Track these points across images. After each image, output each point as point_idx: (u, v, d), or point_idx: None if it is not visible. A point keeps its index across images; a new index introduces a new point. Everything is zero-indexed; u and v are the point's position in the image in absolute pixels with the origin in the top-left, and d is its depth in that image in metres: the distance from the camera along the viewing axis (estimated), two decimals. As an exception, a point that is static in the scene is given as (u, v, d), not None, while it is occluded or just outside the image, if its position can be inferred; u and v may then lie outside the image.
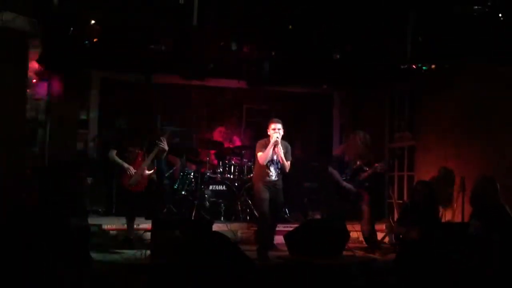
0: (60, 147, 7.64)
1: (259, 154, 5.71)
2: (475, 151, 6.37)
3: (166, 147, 5.85)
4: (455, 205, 6.52)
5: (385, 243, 6.66)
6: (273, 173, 5.72)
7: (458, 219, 6.36)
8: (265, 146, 5.69)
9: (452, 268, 4.34)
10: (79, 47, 5.80)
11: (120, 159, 5.79)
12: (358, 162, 6.10)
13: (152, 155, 5.82)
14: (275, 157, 5.69)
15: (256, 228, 6.78)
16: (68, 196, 4.05)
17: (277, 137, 5.61)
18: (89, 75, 8.16)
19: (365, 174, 6.05)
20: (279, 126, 5.68)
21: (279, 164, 5.74)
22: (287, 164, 5.77)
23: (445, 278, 4.27)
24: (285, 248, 5.72)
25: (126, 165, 5.74)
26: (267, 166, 5.70)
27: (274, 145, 5.60)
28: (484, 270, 4.07)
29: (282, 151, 5.68)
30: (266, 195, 5.66)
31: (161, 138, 5.79)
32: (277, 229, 6.46)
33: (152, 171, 5.86)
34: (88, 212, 4.44)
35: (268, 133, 5.73)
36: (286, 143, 5.83)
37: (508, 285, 3.85)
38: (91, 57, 6.85)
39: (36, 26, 5.44)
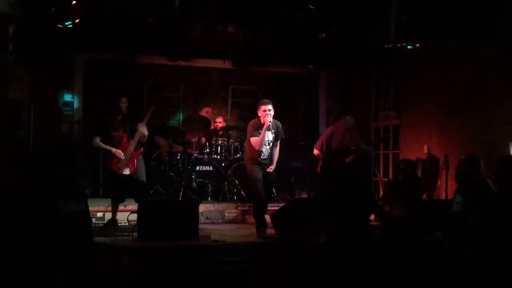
0: (45, 129, 7.59)
1: (253, 139, 5.72)
2: (458, 129, 6.45)
3: (146, 132, 5.87)
4: (438, 182, 6.63)
5: (371, 220, 6.77)
6: (264, 153, 5.79)
7: (442, 196, 6.47)
8: (257, 128, 5.72)
9: (435, 245, 4.44)
10: (61, 28, 5.69)
11: (106, 144, 5.80)
12: (345, 146, 6.13)
13: (136, 138, 5.84)
14: (266, 138, 5.75)
15: (243, 208, 6.88)
16: (62, 179, 3.93)
17: (270, 122, 5.66)
18: (73, 57, 8.06)
19: (351, 157, 6.10)
20: (270, 107, 5.68)
21: (270, 144, 5.82)
22: (277, 143, 5.90)
23: (427, 255, 4.37)
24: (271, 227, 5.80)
25: (113, 149, 5.76)
26: None
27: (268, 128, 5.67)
28: (465, 247, 4.17)
29: (273, 130, 5.77)
30: (259, 175, 5.72)
31: (139, 124, 5.81)
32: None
33: (139, 151, 5.89)
34: (85, 195, 4.33)
35: (259, 114, 5.75)
36: (277, 122, 5.89)
37: (487, 260, 3.95)
38: (73, 39, 6.75)
39: (16, 8, 5.32)
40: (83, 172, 7.34)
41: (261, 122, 5.71)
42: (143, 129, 5.84)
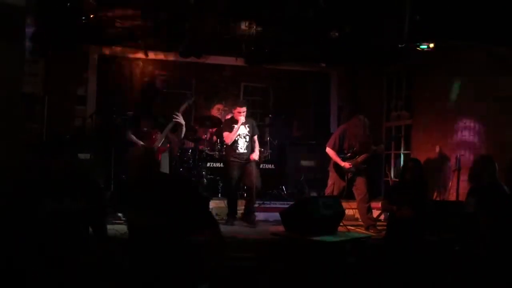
0: (58, 123, 7.66)
1: (225, 133, 6.30)
2: (471, 130, 6.41)
3: (183, 121, 5.84)
4: (450, 183, 6.58)
5: (380, 220, 6.74)
6: (241, 146, 6.24)
7: (453, 197, 6.42)
8: (230, 126, 6.25)
9: (441, 246, 4.42)
10: (76, 23, 5.75)
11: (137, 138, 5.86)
12: (357, 145, 6.12)
13: (166, 131, 5.81)
14: (241, 132, 6.25)
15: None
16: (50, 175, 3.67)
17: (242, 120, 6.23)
18: (87, 51, 8.11)
19: (363, 156, 6.09)
20: (244, 109, 6.26)
21: (247, 138, 6.28)
22: (255, 138, 6.41)
23: (435, 255, 4.35)
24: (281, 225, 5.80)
25: (141, 142, 5.79)
26: (235, 141, 6.24)
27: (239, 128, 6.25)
28: (476, 248, 4.15)
29: (247, 129, 6.29)
30: (234, 173, 6.22)
31: (176, 113, 5.79)
32: (274, 206, 6.58)
33: (165, 148, 5.85)
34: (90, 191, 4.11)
35: (234, 115, 6.28)
36: (251, 120, 6.47)
37: (498, 262, 3.92)
38: (88, 33, 6.81)
39: (32, 1, 5.38)
40: (91, 166, 7.35)
41: (234, 119, 6.25)
42: (180, 118, 5.80)
